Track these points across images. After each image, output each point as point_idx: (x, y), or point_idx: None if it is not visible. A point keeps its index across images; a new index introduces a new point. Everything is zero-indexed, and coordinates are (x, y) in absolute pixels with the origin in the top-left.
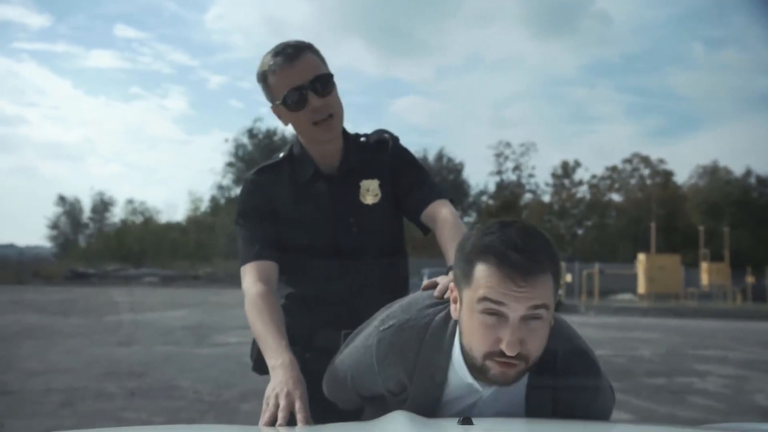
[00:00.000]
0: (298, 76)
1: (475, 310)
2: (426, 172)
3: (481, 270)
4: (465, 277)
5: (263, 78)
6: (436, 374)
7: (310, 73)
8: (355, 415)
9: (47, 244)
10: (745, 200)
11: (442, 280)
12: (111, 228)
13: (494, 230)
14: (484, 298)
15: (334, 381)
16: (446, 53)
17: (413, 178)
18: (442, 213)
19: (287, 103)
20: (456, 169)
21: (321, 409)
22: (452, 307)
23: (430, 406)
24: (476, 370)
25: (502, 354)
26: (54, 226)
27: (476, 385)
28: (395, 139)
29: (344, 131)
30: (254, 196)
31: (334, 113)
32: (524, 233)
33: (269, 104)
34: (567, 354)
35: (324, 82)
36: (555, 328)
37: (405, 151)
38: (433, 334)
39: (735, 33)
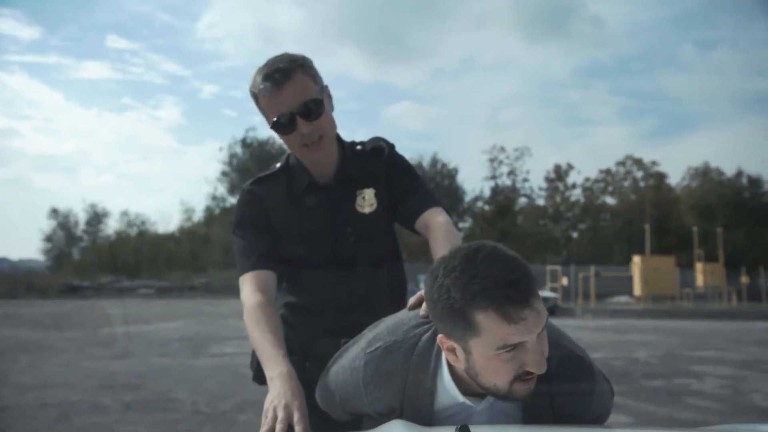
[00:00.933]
0: (286, 102)
1: (491, 356)
2: (421, 179)
3: (485, 322)
4: (465, 329)
5: (255, 98)
6: (424, 395)
7: (299, 99)
8: (355, 423)
9: (41, 257)
10: (738, 201)
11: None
12: (105, 240)
13: (472, 272)
14: (503, 346)
15: (324, 397)
16: (440, 57)
17: (408, 186)
18: (437, 221)
19: (277, 127)
20: (450, 175)
21: (320, 419)
22: (448, 356)
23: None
24: (500, 395)
25: (527, 373)
26: (48, 239)
27: (468, 402)
28: (391, 147)
29: (340, 139)
30: (251, 206)
31: (325, 134)
32: (502, 261)
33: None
34: (560, 359)
35: (313, 106)
36: (547, 335)
37: (401, 159)
38: (419, 355)
39: (726, 35)
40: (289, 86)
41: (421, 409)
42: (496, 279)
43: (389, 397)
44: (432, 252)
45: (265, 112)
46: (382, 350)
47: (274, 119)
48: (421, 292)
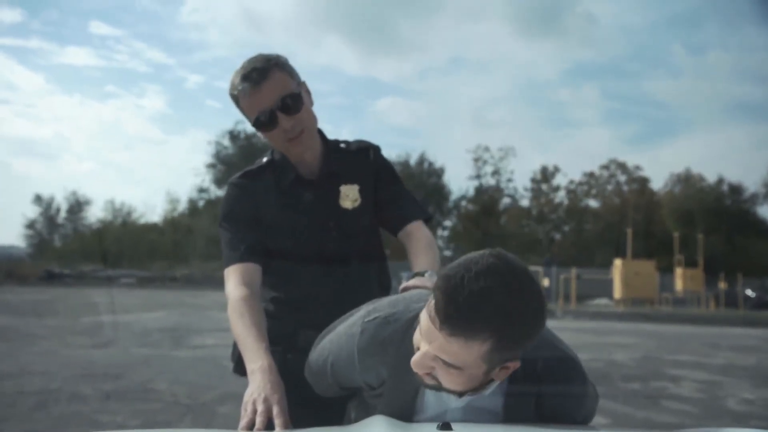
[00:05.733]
0: (265, 99)
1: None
2: (404, 187)
3: (432, 298)
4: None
5: (235, 101)
6: (412, 371)
7: (277, 94)
8: (337, 416)
9: (22, 243)
10: (719, 207)
11: (415, 282)
12: (87, 228)
13: (462, 271)
14: (420, 323)
15: (314, 367)
16: (428, 52)
17: (395, 193)
18: (418, 234)
19: (258, 125)
20: (437, 174)
21: (301, 412)
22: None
23: (405, 405)
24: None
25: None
26: (30, 225)
27: (447, 394)
28: (377, 149)
29: (323, 135)
30: (238, 199)
31: (306, 128)
32: (477, 292)
33: None
34: (557, 361)
35: (292, 101)
36: (543, 337)
37: (388, 163)
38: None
39: (716, 39)
40: (267, 84)
41: (408, 384)
42: (457, 293)
43: (381, 367)
44: (409, 256)
45: (246, 112)
46: (381, 320)
47: (255, 117)
48: (414, 281)
